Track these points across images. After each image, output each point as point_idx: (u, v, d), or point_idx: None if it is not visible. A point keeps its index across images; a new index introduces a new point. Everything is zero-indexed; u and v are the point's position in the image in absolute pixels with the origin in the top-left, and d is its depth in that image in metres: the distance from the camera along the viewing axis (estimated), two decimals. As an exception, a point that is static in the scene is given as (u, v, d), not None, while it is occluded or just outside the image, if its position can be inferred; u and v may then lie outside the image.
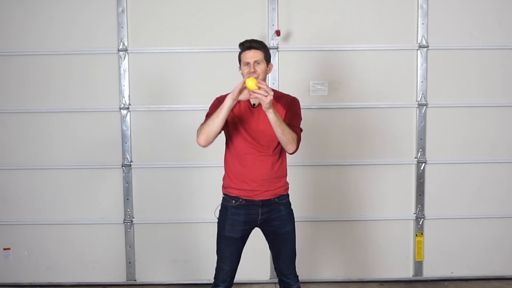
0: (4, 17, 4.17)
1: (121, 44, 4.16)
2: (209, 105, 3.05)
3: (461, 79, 4.24)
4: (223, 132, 3.04)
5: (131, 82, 4.20)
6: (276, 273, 3.16)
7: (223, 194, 3.10)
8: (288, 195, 3.11)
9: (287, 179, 3.12)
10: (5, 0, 4.16)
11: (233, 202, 3.02)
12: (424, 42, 4.18)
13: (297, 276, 3.14)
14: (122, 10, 4.15)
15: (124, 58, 4.17)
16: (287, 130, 2.83)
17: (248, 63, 2.92)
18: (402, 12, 4.20)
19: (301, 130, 3.02)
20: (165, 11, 4.18)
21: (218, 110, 2.83)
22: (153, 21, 4.19)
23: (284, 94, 3.09)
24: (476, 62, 4.23)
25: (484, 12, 4.21)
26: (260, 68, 2.92)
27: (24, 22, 4.17)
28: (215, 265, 3.09)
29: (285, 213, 3.06)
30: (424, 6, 4.17)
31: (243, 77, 2.95)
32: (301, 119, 3.05)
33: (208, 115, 2.98)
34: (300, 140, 2.95)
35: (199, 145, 2.94)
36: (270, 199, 3.01)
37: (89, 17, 4.17)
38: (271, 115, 2.76)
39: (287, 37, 4.17)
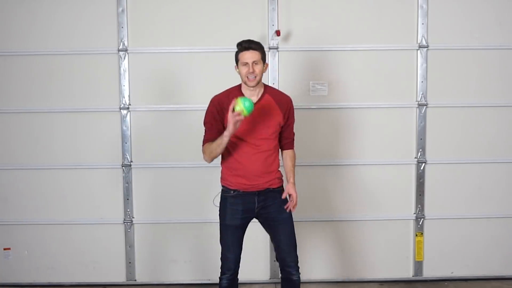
0: (5, 17, 4.18)
1: (121, 44, 4.16)
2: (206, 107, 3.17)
3: (461, 79, 4.24)
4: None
5: (131, 82, 4.20)
6: (278, 263, 3.25)
7: (222, 185, 3.22)
8: (282, 185, 3.24)
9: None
10: (6, 0, 4.17)
11: (232, 192, 3.15)
12: (424, 42, 4.18)
13: (299, 268, 3.21)
14: (122, 10, 4.15)
15: (124, 58, 4.17)
16: (294, 161, 3.28)
17: (246, 64, 3.02)
18: (402, 12, 4.20)
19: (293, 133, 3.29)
20: (165, 11, 4.18)
21: (219, 141, 3.00)
22: (153, 21, 4.19)
23: (280, 93, 3.22)
24: (476, 62, 4.23)
25: (484, 12, 4.21)
26: (258, 68, 3.03)
27: (26, 22, 4.17)
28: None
29: (281, 200, 3.17)
30: (424, 6, 4.17)
31: (240, 76, 3.08)
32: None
33: (206, 123, 3.14)
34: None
35: (206, 161, 3.17)
36: (265, 189, 3.14)
37: (90, 17, 4.17)
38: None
39: (287, 37, 4.17)
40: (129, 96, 4.21)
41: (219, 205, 3.23)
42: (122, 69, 4.18)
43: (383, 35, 4.20)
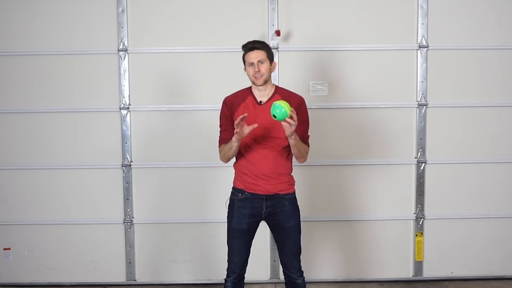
0: (5, 17, 4.18)
1: (121, 44, 4.16)
2: (219, 110, 3.18)
3: (461, 79, 4.24)
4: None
5: (131, 82, 4.20)
6: (282, 266, 3.21)
7: (232, 187, 3.20)
8: (293, 191, 3.17)
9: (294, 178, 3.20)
10: (6, 0, 4.17)
11: (240, 195, 3.12)
12: (424, 42, 4.18)
13: (302, 272, 3.18)
14: (122, 10, 4.15)
15: (124, 58, 4.17)
16: (303, 147, 3.06)
17: (252, 64, 3.02)
18: (402, 12, 4.20)
19: (309, 136, 3.16)
20: (165, 11, 4.18)
21: (229, 145, 3.00)
22: (153, 21, 4.19)
23: (291, 93, 3.16)
24: (476, 62, 4.23)
25: (484, 12, 4.21)
26: (264, 67, 3.02)
27: (26, 22, 4.17)
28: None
29: (289, 209, 3.12)
30: (424, 6, 4.17)
31: (249, 78, 3.07)
32: (309, 123, 3.16)
33: (220, 125, 3.16)
34: (309, 148, 3.14)
35: (222, 162, 3.17)
36: (274, 194, 3.09)
37: (90, 17, 4.17)
38: (292, 140, 2.94)
39: (287, 37, 4.17)
40: (129, 96, 4.21)
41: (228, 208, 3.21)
42: (122, 69, 4.18)
43: (383, 35, 4.20)
